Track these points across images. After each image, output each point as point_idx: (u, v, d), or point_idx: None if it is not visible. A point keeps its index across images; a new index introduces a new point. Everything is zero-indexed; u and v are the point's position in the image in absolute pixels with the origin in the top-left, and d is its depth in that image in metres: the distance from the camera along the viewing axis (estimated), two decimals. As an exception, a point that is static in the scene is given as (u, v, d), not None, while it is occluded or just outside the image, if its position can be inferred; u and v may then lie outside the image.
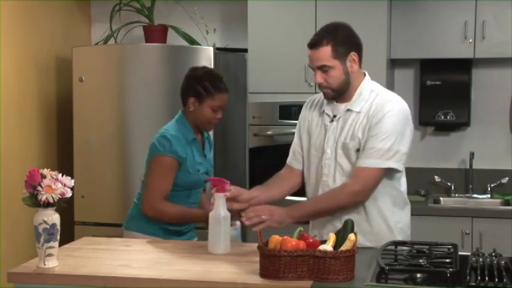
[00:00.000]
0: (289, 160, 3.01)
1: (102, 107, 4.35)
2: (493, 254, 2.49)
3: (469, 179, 4.58)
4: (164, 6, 4.89)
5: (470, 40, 4.31)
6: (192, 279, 2.34)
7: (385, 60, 4.26)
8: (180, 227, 3.15)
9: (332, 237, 2.34)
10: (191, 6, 4.75)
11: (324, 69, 2.73)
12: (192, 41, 4.63)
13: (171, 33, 4.66)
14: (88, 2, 5.09)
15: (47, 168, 2.46)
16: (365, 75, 2.85)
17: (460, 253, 2.53)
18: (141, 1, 4.66)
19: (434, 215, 4.20)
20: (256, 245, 2.39)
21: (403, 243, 2.68)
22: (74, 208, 4.34)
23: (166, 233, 3.10)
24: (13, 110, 4.18)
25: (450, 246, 2.60)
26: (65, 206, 2.48)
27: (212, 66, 3.97)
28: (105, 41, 4.67)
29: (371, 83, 2.84)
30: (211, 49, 4.21)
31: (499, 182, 4.51)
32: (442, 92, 4.50)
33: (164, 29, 4.64)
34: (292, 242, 2.28)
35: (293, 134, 3.02)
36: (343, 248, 2.27)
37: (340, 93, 2.78)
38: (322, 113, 2.87)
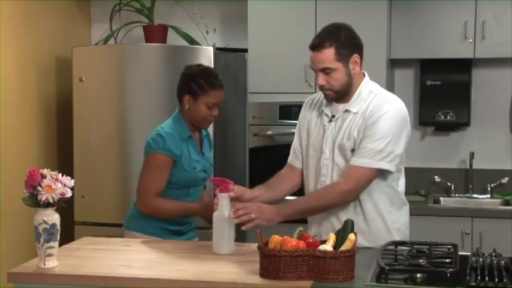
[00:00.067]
0: (290, 159, 3.02)
1: (102, 107, 4.35)
2: (493, 254, 2.49)
3: (469, 179, 4.58)
4: (164, 6, 4.89)
5: (470, 40, 4.31)
6: (192, 279, 2.34)
7: (385, 60, 4.26)
8: (180, 226, 3.15)
9: (332, 237, 2.34)
10: (191, 6, 4.75)
11: (326, 71, 2.72)
12: (192, 41, 4.63)
13: (171, 33, 4.66)
14: (88, 2, 5.09)
15: (47, 168, 2.46)
16: (364, 75, 2.84)
17: (460, 253, 2.53)
18: (141, 1, 4.66)
19: (434, 215, 4.20)
20: (256, 245, 2.39)
21: (403, 243, 2.68)
22: (74, 208, 4.34)
23: (166, 233, 3.10)
24: (13, 110, 4.18)
25: (450, 246, 2.60)
26: (65, 206, 2.48)
27: (212, 66, 3.97)
28: (105, 41, 4.67)
29: (370, 83, 2.84)
30: (211, 49, 4.21)
31: (499, 182, 4.51)
32: (442, 92, 4.50)
33: (164, 29, 4.64)
34: (292, 242, 2.28)
35: (293, 134, 3.02)
36: (343, 248, 2.27)
37: (341, 94, 2.78)
38: (321, 112, 2.87)
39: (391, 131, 2.71)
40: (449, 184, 4.59)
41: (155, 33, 4.60)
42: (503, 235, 4.00)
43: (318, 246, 2.29)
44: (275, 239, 2.32)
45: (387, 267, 2.32)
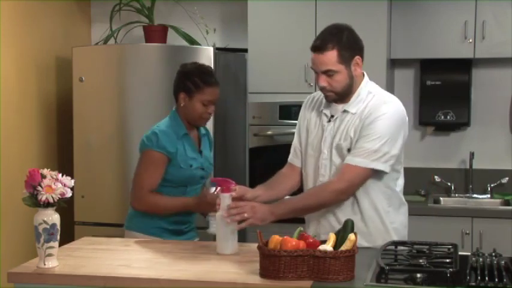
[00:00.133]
0: (290, 158, 3.02)
1: (102, 107, 4.35)
2: (493, 254, 2.49)
3: (469, 179, 4.58)
4: (164, 6, 4.89)
5: (470, 40, 4.31)
6: (192, 279, 2.34)
7: (385, 60, 4.26)
8: (180, 226, 3.15)
9: (332, 237, 2.34)
10: (191, 6, 4.75)
11: (329, 73, 2.71)
12: (192, 41, 4.63)
13: (171, 33, 4.66)
14: (88, 2, 5.09)
15: (47, 168, 2.46)
16: (363, 75, 2.84)
17: (460, 253, 2.53)
18: (141, 1, 4.66)
19: (434, 215, 4.20)
20: (256, 245, 2.39)
21: (403, 243, 2.68)
22: (74, 208, 4.34)
23: (166, 232, 3.10)
24: (13, 110, 4.18)
25: (450, 246, 2.60)
26: (65, 206, 2.48)
27: (212, 66, 3.97)
28: (105, 41, 4.67)
29: (369, 84, 2.84)
30: (211, 49, 4.21)
31: (499, 182, 4.51)
32: (442, 92, 4.50)
33: (164, 29, 4.64)
34: (292, 242, 2.28)
35: (293, 134, 3.02)
36: (343, 248, 2.27)
37: (342, 96, 2.78)
38: (320, 112, 2.87)
39: (388, 132, 2.70)
40: (449, 184, 4.59)
41: (155, 33, 4.60)
42: (503, 235, 4.00)
43: (318, 246, 2.29)
44: (275, 239, 2.32)
45: (387, 267, 2.32)
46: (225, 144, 4.49)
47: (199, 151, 3.19)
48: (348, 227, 2.36)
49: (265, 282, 2.28)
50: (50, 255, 2.46)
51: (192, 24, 4.71)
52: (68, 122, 4.49)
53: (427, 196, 4.54)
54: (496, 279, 2.22)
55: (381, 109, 2.72)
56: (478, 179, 4.56)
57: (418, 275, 2.29)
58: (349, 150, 2.74)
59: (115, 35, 4.70)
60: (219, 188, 2.73)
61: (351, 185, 2.72)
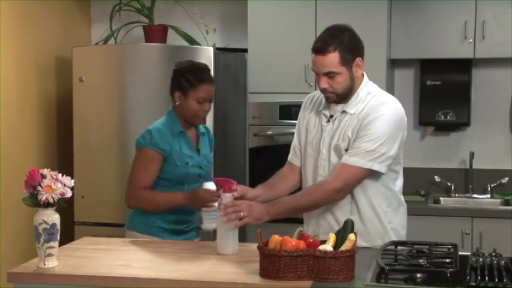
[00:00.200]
0: (290, 157, 3.02)
1: (102, 107, 4.35)
2: (493, 254, 2.49)
3: (469, 179, 4.58)
4: (164, 6, 4.89)
5: (470, 40, 4.31)
6: (192, 279, 2.34)
7: (385, 60, 4.26)
8: (181, 225, 3.15)
9: (332, 237, 2.34)
10: (191, 6, 4.75)
11: (330, 75, 2.71)
12: (192, 41, 4.63)
13: (171, 33, 4.66)
14: (88, 2, 5.09)
15: (47, 168, 2.46)
16: (363, 76, 2.84)
17: (460, 253, 2.53)
18: (141, 1, 4.66)
19: (434, 215, 4.20)
20: (256, 245, 2.39)
21: (403, 243, 2.69)
22: (74, 208, 4.34)
23: (166, 232, 3.10)
24: (13, 110, 4.18)
25: (450, 246, 2.60)
26: (65, 206, 2.48)
27: (212, 66, 3.97)
28: (105, 41, 4.67)
29: (369, 84, 2.84)
30: (211, 49, 4.21)
31: (499, 182, 4.51)
32: (442, 92, 4.50)
33: (164, 29, 4.64)
34: (292, 242, 2.28)
35: (293, 134, 3.03)
36: (343, 248, 2.27)
37: (343, 97, 2.78)
38: (319, 112, 2.87)
39: (386, 133, 2.70)
40: (449, 184, 4.59)
41: (155, 33, 4.60)
42: (503, 235, 4.00)
43: (318, 246, 2.29)
44: (275, 239, 2.32)
45: (387, 267, 2.32)
46: (225, 144, 4.49)
47: (197, 149, 3.18)
48: (348, 227, 2.36)
49: (265, 282, 2.28)
50: (50, 255, 2.46)
51: (192, 24, 4.71)
52: (68, 122, 4.49)
53: (427, 196, 4.54)
54: (496, 279, 2.22)
55: (379, 110, 2.72)
56: (478, 179, 4.56)
57: (418, 275, 2.29)
58: (347, 150, 2.74)
59: (115, 35, 4.70)
60: (221, 189, 2.73)
61: (347, 184, 2.71)
